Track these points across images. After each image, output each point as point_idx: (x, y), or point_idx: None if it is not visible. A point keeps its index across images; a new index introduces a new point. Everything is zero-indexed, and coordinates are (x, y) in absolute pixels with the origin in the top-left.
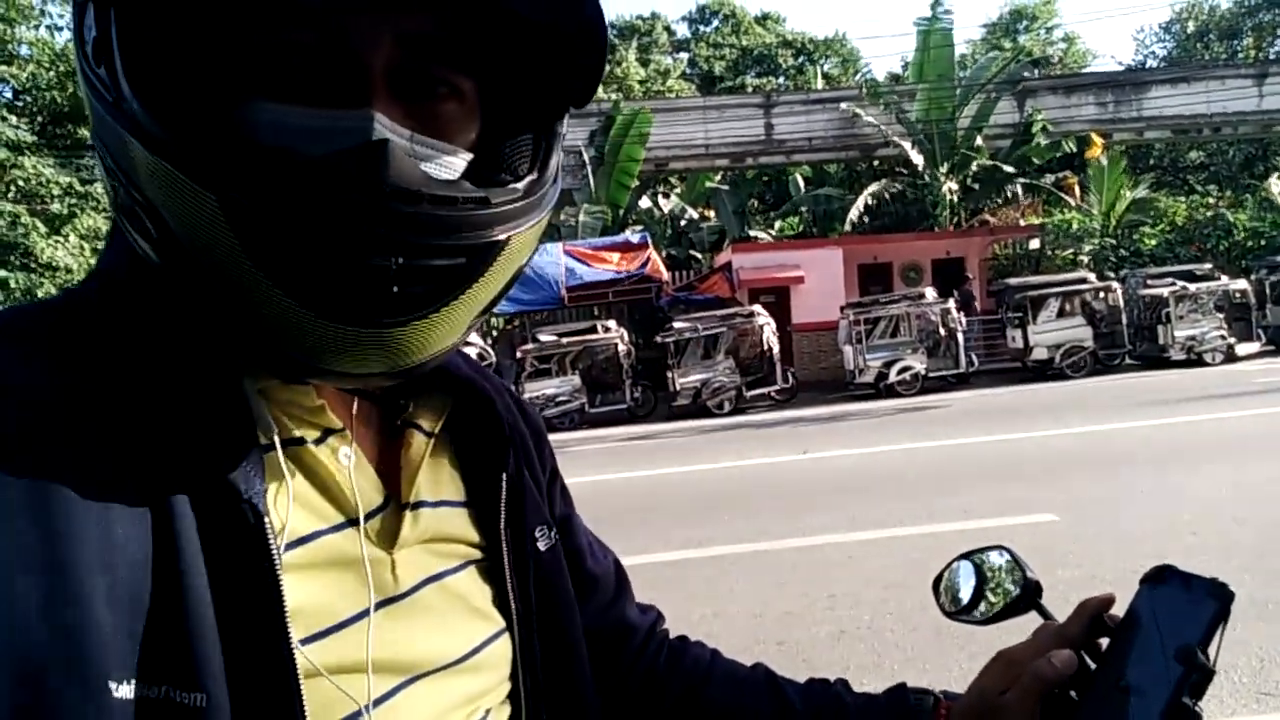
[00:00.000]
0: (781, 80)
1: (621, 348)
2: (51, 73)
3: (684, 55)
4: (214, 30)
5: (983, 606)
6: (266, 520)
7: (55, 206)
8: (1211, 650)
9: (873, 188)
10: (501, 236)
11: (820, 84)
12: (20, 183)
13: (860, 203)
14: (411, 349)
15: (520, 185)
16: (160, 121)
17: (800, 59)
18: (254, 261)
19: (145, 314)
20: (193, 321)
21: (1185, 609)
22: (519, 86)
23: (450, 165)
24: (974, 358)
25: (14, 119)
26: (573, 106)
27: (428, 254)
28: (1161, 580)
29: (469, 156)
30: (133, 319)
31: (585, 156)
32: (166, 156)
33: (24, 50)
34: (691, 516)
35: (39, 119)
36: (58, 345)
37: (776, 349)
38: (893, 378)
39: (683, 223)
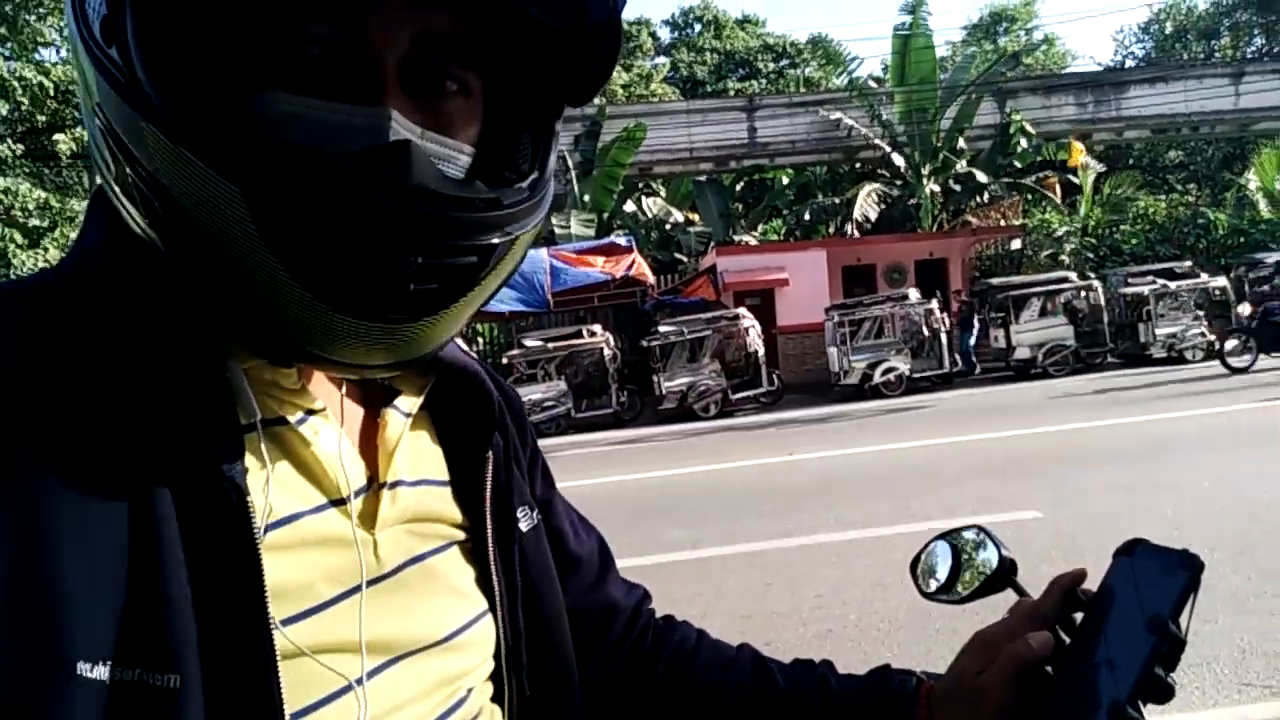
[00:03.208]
0: (764, 84)
1: (607, 352)
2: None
3: (664, 60)
4: (230, 16)
5: (959, 586)
6: (249, 500)
7: (34, 221)
8: (1183, 620)
9: (867, 189)
10: (511, 236)
11: (801, 88)
12: None
13: (860, 205)
14: (418, 343)
15: (525, 185)
16: (175, 107)
17: (781, 62)
18: (274, 253)
19: (125, 293)
20: (183, 302)
21: (1156, 580)
22: (521, 84)
23: (455, 161)
24: (957, 358)
25: (10, 141)
26: (571, 106)
27: (445, 254)
28: (1132, 553)
29: (471, 152)
30: (111, 298)
31: (570, 162)
32: (189, 146)
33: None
34: (678, 519)
35: (18, 129)
36: (31, 325)
37: (762, 351)
38: (877, 379)
39: (668, 226)
